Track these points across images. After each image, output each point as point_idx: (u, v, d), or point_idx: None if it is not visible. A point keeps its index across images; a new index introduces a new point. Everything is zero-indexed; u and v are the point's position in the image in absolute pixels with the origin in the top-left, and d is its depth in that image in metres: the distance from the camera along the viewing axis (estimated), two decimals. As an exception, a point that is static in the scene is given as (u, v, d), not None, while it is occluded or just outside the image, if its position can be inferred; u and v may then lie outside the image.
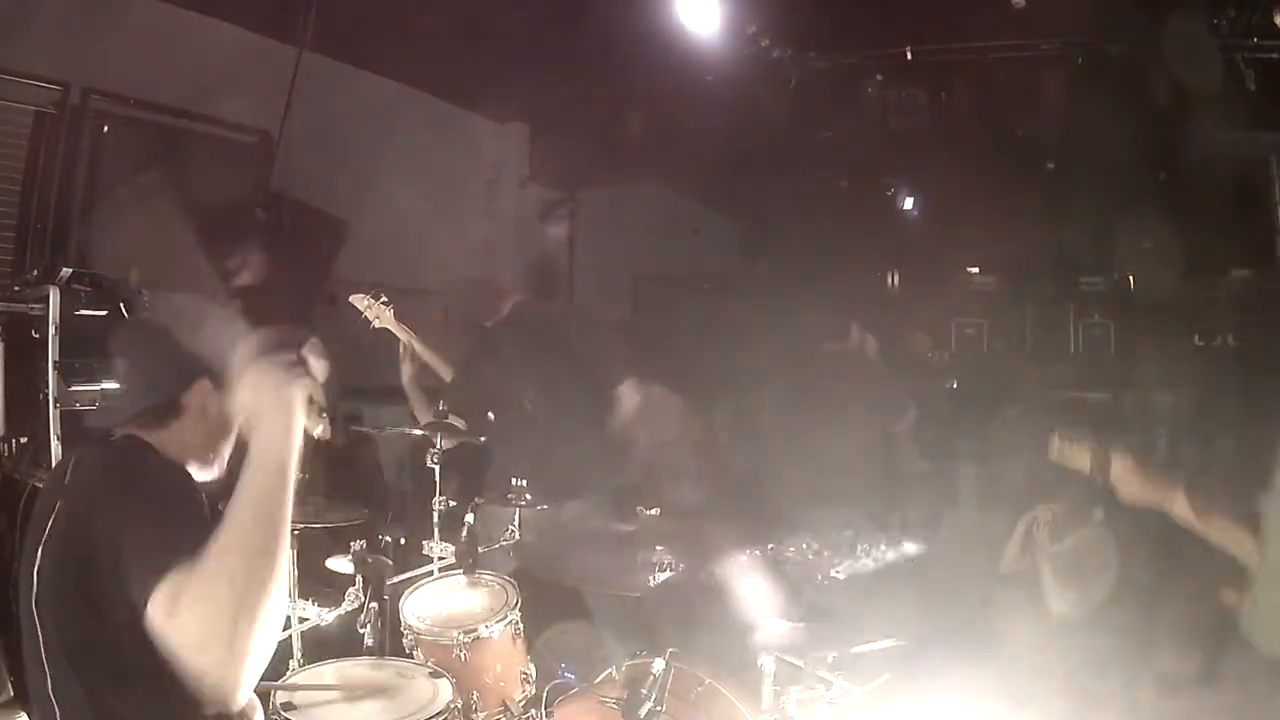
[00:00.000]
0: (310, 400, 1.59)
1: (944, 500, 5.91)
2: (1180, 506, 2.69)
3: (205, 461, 1.88)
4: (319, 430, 1.66)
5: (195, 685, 1.40)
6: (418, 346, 4.05)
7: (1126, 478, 2.75)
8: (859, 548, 2.39)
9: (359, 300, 4.04)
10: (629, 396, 3.89)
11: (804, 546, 2.47)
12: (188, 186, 4.55)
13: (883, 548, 2.40)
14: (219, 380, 1.83)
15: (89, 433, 3.18)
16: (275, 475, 1.49)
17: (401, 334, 4.04)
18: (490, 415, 3.77)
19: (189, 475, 1.77)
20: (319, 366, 1.63)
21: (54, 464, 3.48)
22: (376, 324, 4.03)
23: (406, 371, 4.06)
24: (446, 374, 4.09)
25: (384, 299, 4.03)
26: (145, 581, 1.46)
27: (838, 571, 2.34)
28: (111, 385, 1.95)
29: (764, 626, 2.33)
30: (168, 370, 1.84)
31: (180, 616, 1.41)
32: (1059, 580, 3.61)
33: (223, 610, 1.38)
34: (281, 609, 1.47)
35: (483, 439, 3.77)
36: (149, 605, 1.45)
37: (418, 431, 3.70)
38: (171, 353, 1.84)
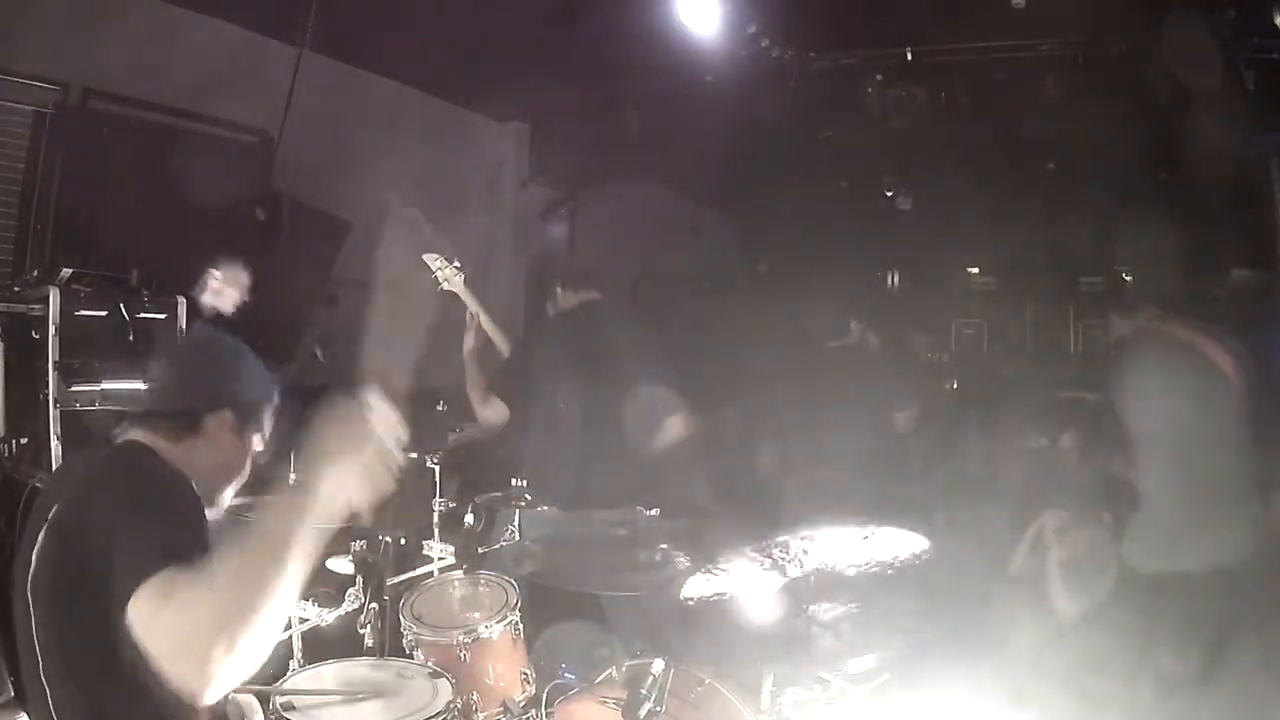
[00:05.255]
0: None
1: (943, 500, 5.91)
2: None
3: (207, 490, 1.88)
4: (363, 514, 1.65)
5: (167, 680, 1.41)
6: (484, 319, 3.91)
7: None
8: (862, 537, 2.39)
9: (431, 259, 3.80)
10: (675, 429, 3.82)
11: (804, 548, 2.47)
12: (188, 186, 4.56)
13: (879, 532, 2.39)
14: (242, 418, 1.91)
15: (95, 436, 3.21)
16: (304, 512, 1.50)
17: (470, 302, 3.88)
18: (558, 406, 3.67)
19: (190, 483, 1.77)
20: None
21: (54, 464, 3.48)
22: (445, 287, 3.82)
23: (469, 342, 3.91)
24: (507, 351, 3.97)
25: (457, 263, 3.83)
26: (131, 576, 1.47)
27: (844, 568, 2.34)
28: (142, 383, 1.99)
29: (764, 626, 2.32)
30: (201, 386, 1.90)
31: (161, 621, 1.42)
32: (1068, 584, 3.63)
33: (201, 629, 1.38)
34: (268, 639, 1.46)
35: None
36: (131, 601, 1.45)
37: (413, 455, 3.63)
38: (210, 373, 1.92)
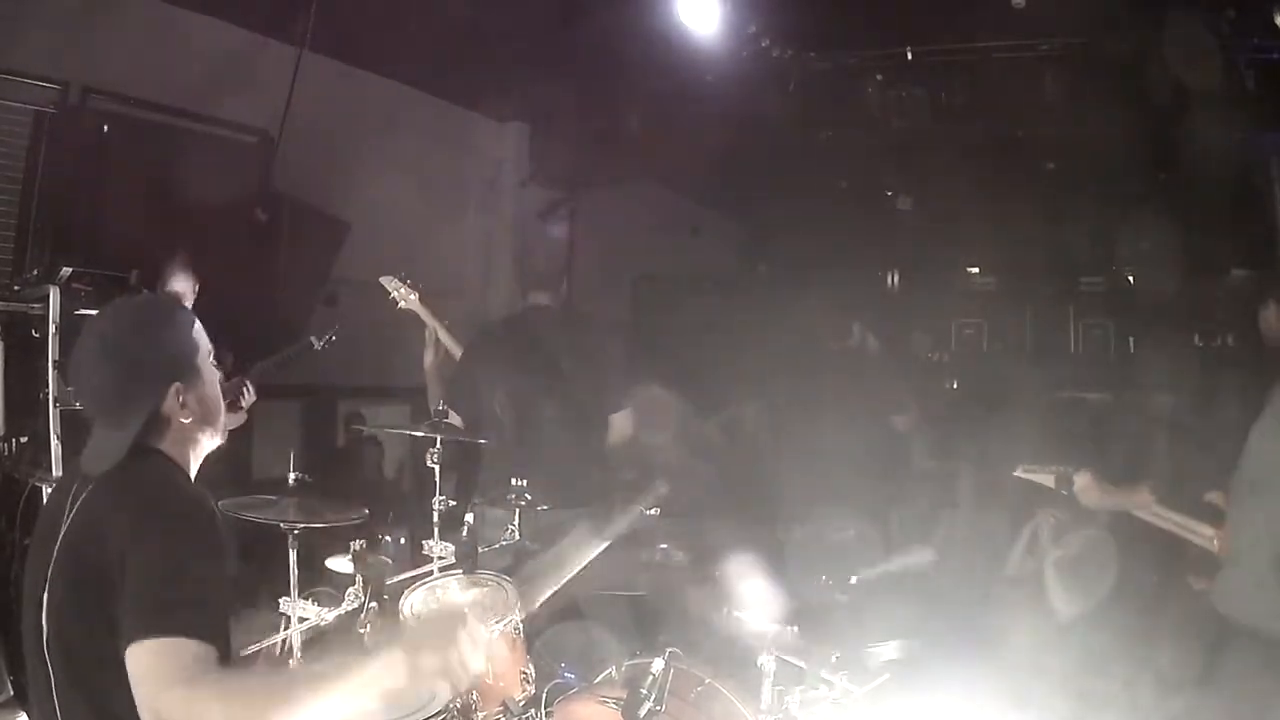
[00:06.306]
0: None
1: (944, 501, 5.91)
2: (1138, 506, 3.12)
3: (205, 444, 1.86)
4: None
5: None
6: (442, 333, 4.03)
7: (1086, 491, 3.17)
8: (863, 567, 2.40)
9: (388, 281, 4.03)
10: (621, 425, 3.83)
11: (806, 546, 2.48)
12: (188, 186, 4.56)
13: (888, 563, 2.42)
14: (188, 375, 1.78)
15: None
16: (365, 688, 1.49)
17: (428, 319, 4.03)
18: (495, 412, 3.72)
19: (214, 513, 1.73)
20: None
21: (54, 463, 3.47)
22: (403, 305, 4.02)
23: (429, 358, 4.05)
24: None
25: (410, 281, 4.04)
26: (138, 625, 1.46)
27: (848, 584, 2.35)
28: (92, 424, 1.80)
29: (764, 626, 2.33)
30: (134, 391, 1.74)
31: (167, 700, 1.41)
32: (1063, 583, 3.63)
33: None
34: None
35: (482, 440, 3.72)
36: (134, 648, 1.44)
37: (418, 433, 3.64)
38: (127, 373, 1.75)
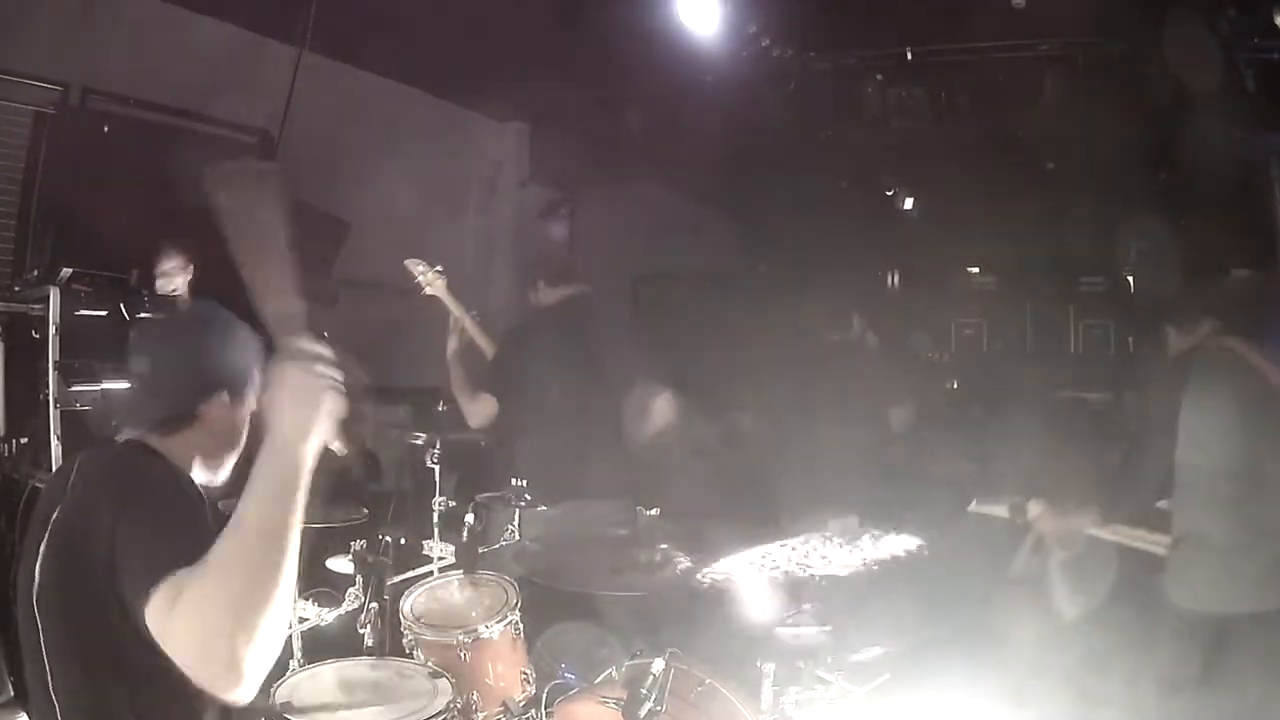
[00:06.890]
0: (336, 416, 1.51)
1: (943, 501, 5.90)
2: (1090, 525, 3.22)
3: (209, 468, 1.86)
4: (337, 445, 1.55)
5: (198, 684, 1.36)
6: (467, 321, 3.99)
7: (1041, 519, 3.28)
8: (861, 537, 2.40)
9: (413, 265, 3.96)
10: (662, 410, 3.84)
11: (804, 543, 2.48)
12: (188, 187, 4.56)
13: (882, 535, 2.41)
14: (236, 394, 1.84)
15: (94, 436, 3.19)
16: (288, 482, 1.43)
17: (453, 306, 3.98)
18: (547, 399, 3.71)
19: (192, 481, 1.76)
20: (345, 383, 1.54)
21: (54, 464, 3.48)
22: (427, 291, 3.96)
23: (452, 344, 3.99)
24: (491, 352, 4.04)
25: (439, 268, 3.96)
26: (142, 583, 1.44)
27: (838, 568, 2.34)
28: (127, 386, 1.88)
29: (764, 626, 2.33)
30: (190, 381, 1.81)
31: (176, 625, 1.38)
32: (1069, 585, 3.63)
33: (219, 625, 1.34)
34: (284, 619, 1.41)
35: (484, 443, 3.73)
36: (147, 608, 1.42)
37: (418, 440, 3.63)
38: (195, 363, 1.83)
